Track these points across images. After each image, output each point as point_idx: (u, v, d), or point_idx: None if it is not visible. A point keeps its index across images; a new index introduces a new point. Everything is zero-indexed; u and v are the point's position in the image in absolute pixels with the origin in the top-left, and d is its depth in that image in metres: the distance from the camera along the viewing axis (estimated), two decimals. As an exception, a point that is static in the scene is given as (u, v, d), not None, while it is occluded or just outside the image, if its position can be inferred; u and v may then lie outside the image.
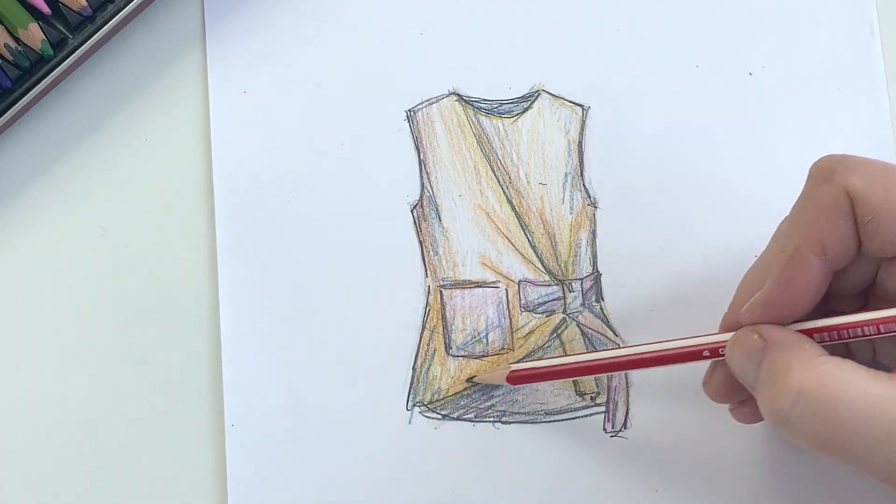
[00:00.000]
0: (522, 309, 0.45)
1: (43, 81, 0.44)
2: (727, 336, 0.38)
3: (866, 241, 0.35)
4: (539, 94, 0.46)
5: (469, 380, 0.45)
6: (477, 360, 0.45)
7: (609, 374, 0.44)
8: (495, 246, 0.46)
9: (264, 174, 0.46)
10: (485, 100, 0.46)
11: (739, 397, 0.40)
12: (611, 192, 0.46)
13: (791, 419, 0.33)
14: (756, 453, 0.44)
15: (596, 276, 0.45)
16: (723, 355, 0.38)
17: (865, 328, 0.36)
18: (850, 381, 0.33)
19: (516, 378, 0.43)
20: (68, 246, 0.46)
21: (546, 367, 0.42)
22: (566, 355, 0.44)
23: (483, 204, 0.46)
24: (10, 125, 0.45)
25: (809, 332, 0.36)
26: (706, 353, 0.39)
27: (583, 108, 0.46)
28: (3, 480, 0.45)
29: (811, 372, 0.33)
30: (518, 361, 0.44)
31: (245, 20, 0.47)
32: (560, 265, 0.45)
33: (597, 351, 0.43)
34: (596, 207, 0.46)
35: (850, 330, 0.36)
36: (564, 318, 0.45)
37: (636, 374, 0.44)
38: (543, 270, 0.45)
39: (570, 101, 0.46)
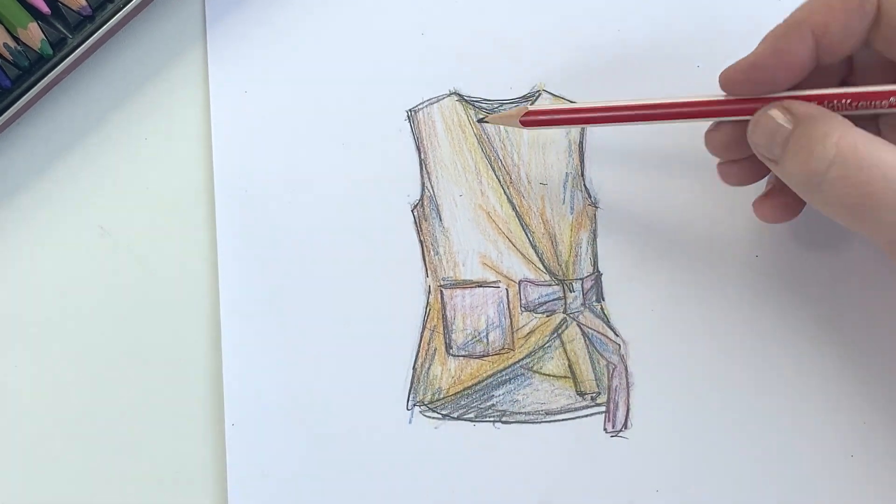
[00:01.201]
0: (523, 309, 0.45)
1: (42, 81, 0.44)
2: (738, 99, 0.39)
3: (879, 44, 0.37)
4: (539, 94, 0.46)
5: (480, 120, 0.45)
6: (477, 360, 0.45)
7: (610, 371, 0.44)
8: (496, 246, 0.46)
9: (264, 174, 0.46)
10: (485, 100, 0.46)
11: (735, 156, 0.41)
12: (611, 192, 0.46)
13: (824, 182, 0.35)
14: (756, 453, 0.44)
15: (596, 275, 0.45)
16: (732, 115, 0.39)
17: (892, 98, 0.37)
18: (883, 149, 0.34)
19: (530, 121, 0.42)
20: (68, 245, 0.46)
21: (562, 109, 0.42)
22: (584, 103, 0.43)
23: (484, 204, 0.46)
24: (10, 125, 0.45)
25: (822, 99, 0.38)
26: (722, 110, 0.39)
27: (583, 108, 0.46)
28: (2, 480, 0.45)
29: (848, 138, 0.35)
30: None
31: (245, 20, 0.47)
32: (560, 265, 0.45)
33: (614, 101, 0.41)
34: (596, 207, 0.46)
35: (873, 101, 0.37)
36: (565, 317, 0.45)
37: (636, 373, 0.44)
38: (544, 270, 0.45)
39: (570, 101, 0.46)
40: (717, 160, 0.42)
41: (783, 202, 0.41)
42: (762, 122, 0.38)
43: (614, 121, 0.41)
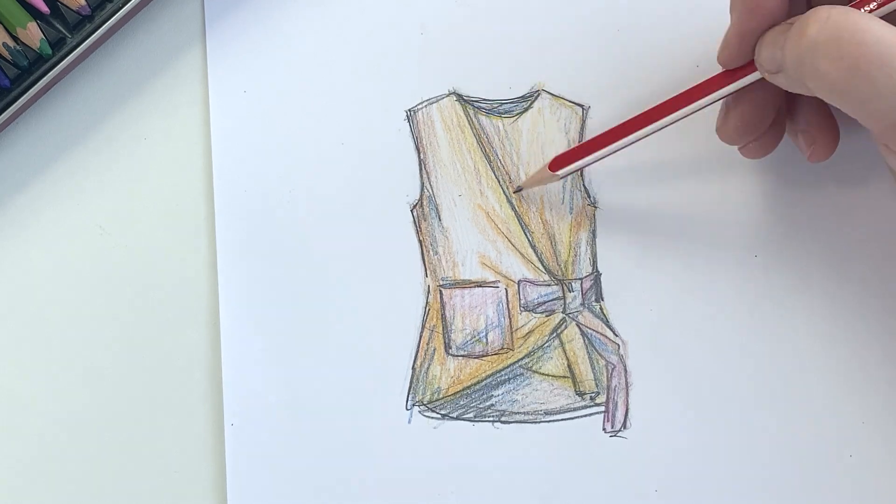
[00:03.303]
0: (522, 309, 0.45)
1: (41, 81, 0.44)
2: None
3: None
4: (539, 94, 0.46)
5: (517, 190, 0.46)
6: (476, 360, 0.45)
7: (609, 371, 0.44)
8: (495, 246, 0.46)
9: (264, 174, 0.46)
10: (485, 100, 0.46)
11: (751, 136, 0.42)
12: (611, 192, 0.46)
13: (818, 48, 0.35)
14: (755, 453, 0.44)
15: (596, 275, 0.45)
16: (745, 76, 0.40)
17: None
18: (875, 20, 0.35)
19: (558, 163, 0.43)
20: (67, 245, 0.46)
21: (584, 142, 0.43)
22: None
23: (483, 203, 0.46)
24: (9, 124, 0.45)
25: None
26: (738, 76, 0.40)
27: (583, 108, 0.46)
28: (2, 480, 0.45)
29: (840, 10, 0.35)
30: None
31: (245, 20, 0.47)
32: (560, 265, 0.45)
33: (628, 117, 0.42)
34: (596, 207, 0.46)
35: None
36: (564, 317, 0.45)
37: (636, 373, 0.44)
38: (543, 270, 0.45)
39: (570, 101, 0.46)
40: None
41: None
42: (766, 39, 0.38)
43: (635, 130, 0.42)
